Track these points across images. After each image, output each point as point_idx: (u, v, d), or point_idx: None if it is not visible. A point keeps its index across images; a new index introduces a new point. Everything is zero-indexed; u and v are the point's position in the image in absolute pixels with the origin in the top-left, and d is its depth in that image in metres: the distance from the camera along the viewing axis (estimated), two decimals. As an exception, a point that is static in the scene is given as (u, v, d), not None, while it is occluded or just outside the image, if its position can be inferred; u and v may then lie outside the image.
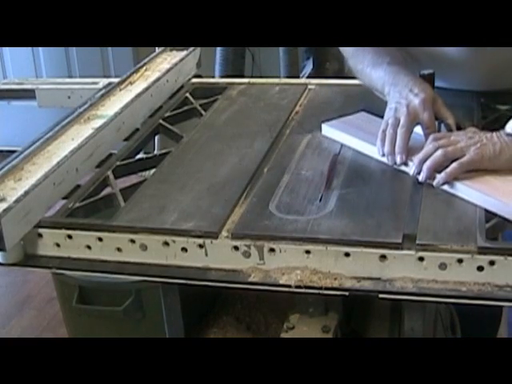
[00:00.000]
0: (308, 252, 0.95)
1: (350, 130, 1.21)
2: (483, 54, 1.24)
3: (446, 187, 1.03)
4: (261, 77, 1.78)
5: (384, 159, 1.11)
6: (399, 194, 1.05)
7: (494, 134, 1.07)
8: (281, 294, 0.96)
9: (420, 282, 0.92)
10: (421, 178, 1.05)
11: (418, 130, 1.13)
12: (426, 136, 1.11)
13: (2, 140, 3.38)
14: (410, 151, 1.09)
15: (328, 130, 1.24)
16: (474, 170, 1.03)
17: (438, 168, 1.04)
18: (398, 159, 1.09)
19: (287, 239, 0.96)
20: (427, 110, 1.12)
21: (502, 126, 1.08)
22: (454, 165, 1.03)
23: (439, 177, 1.03)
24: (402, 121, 1.11)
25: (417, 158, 1.07)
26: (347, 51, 1.32)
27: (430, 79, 1.25)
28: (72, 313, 1.94)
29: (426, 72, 1.27)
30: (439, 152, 1.05)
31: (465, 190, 1.01)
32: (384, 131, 1.12)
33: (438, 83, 1.28)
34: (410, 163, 1.08)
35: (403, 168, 1.09)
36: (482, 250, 0.91)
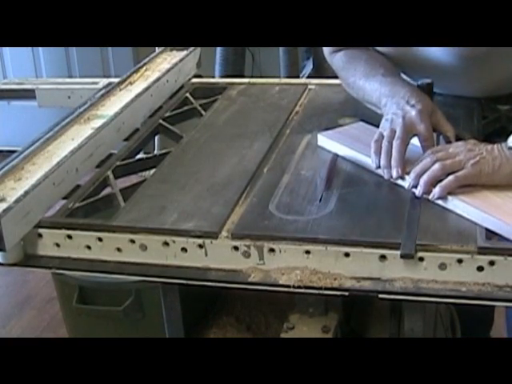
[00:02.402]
0: (308, 252, 0.95)
1: (347, 141, 1.17)
2: (482, 65, 1.23)
3: (443, 203, 0.99)
4: (261, 77, 1.78)
5: (380, 172, 1.08)
6: (399, 195, 1.05)
7: (496, 146, 1.03)
8: (281, 294, 0.96)
9: (420, 282, 0.92)
10: (418, 192, 1.01)
11: (416, 141, 1.10)
12: (424, 148, 1.07)
13: (2, 140, 3.38)
14: (406, 164, 1.05)
15: (324, 141, 1.20)
16: (472, 186, 1.00)
17: (436, 182, 1.01)
18: (395, 173, 1.05)
19: (287, 239, 0.96)
20: (424, 121, 1.08)
21: (503, 128, 1.08)
22: (449, 178, 1.00)
23: (434, 190, 1.00)
24: (398, 132, 1.07)
25: (413, 172, 1.03)
26: (337, 64, 1.30)
27: (428, 89, 1.23)
28: (72, 313, 1.94)
29: (424, 82, 1.25)
30: (437, 166, 1.01)
31: (463, 207, 0.97)
32: (377, 142, 1.09)
33: (436, 91, 1.28)
34: (407, 177, 1.04)
35: (400, 182, 1.05)
36: (482, 250, 0.90)
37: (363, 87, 1.22)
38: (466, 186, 1.00)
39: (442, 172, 1.01)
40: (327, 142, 1.19)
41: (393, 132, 1.08)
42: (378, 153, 1.08)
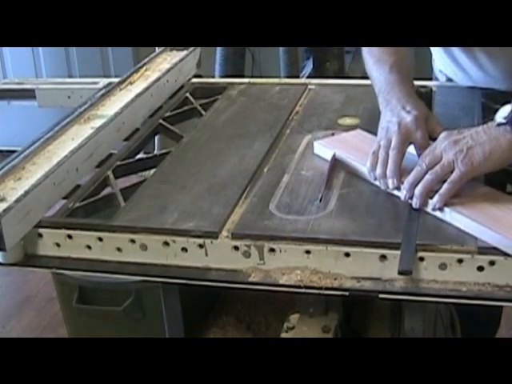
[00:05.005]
0: (308, 252, 0.95)
1: (344, 150, 1.13)
2: None
3: (441, 216, 0.97)
4: (261, 77, 1.78)
5: (377, 182, 1.06)
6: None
7: (481, 129, 1.00)
8: (281, 294, 0.96)
9: (420, 282, 0.92)
10: (414, 204, 0.99)
11: (412, 149, 1.07)
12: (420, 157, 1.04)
13: (2, 140, 3.38)
14: (403, 173, 1.02)
15: (320, 149, 1.17)
16: (471, 197, 0.97)
17: (431, 192, 0.98)
18: (390, 184, 1.03)
19: (287, 239, 0.96)
20: (420, 128, 1.06)
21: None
22: (445, 186, 0.97)
23: (434, 201, 0.97)
24: (394, 142, 1.05)
25: (407, 182, 1.00)
26: None
27: (427, 96, 1.23)
28: (72, 313, 1.94)
29: (423, 89, 1.25)
30: (428, 177, 0.98)
31: (461, 220, 0.94)
32: (374, 153, 1.07)
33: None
34: (403, 187, 1.01)
35: (396, 192, 1.03)
36: (482, 250, 0.90)
37: (371, 68, 1.22)
38: (465, 199, 0.97)
39: (435, 182, 0.98)
40: (323, 150, 1.16)
41: (389, 141, 1.06)
42: (375, 164, 1.06)
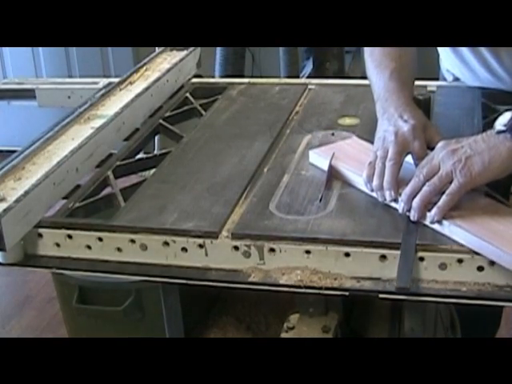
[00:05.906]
0: (308, 252, 0.95)
1: (339, 160, 1.10)
2: None
3: (440, 229, 0.94)
4: (261, 77, 1.78)
5: (374, 194, 1.03)
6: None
7: (480, 137, 0.97)
8: (281, 294, 0.96)
9: (420, 281, 0.92)
10: (412, 217, 0.96)
11: (410, 158, 1.04)
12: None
13: (2, 140, 3.38)
14: (400, 184, 0.99)
15: (315, 158, 1.14)
16: (470, 209, 0.94)
17: (429, 205, 0.95)
18: (388, 196, 0.99)
19: (287, 239, 0.96)
20: (417, 138, 1.03)
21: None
22: (443, 198, 0.94)
23: (432, 214, 0.94)
24: (390, 152, 1.01)
25: (404, 194, 0.97)
26: None
27: (425, 104, 1.21)
28: (72, 313, 1.94)
29: (421, 96, 1.23)
30: (426, 188, 0.95)
31: (461, 234, 0.91)
32: (371, 163, 1.03)
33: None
34: (400, 199, 0.98)
35: (393, 204, 1.00)
36: (482, 250, 0.90)
37: (371, 73, 1.20)
38: (465, 210, 0.94)
39: (433, 194, 0.96)
40: (319, 159, 1.13)
41: (386, 152, 1.03)
42: (371, 176, 1.03)
